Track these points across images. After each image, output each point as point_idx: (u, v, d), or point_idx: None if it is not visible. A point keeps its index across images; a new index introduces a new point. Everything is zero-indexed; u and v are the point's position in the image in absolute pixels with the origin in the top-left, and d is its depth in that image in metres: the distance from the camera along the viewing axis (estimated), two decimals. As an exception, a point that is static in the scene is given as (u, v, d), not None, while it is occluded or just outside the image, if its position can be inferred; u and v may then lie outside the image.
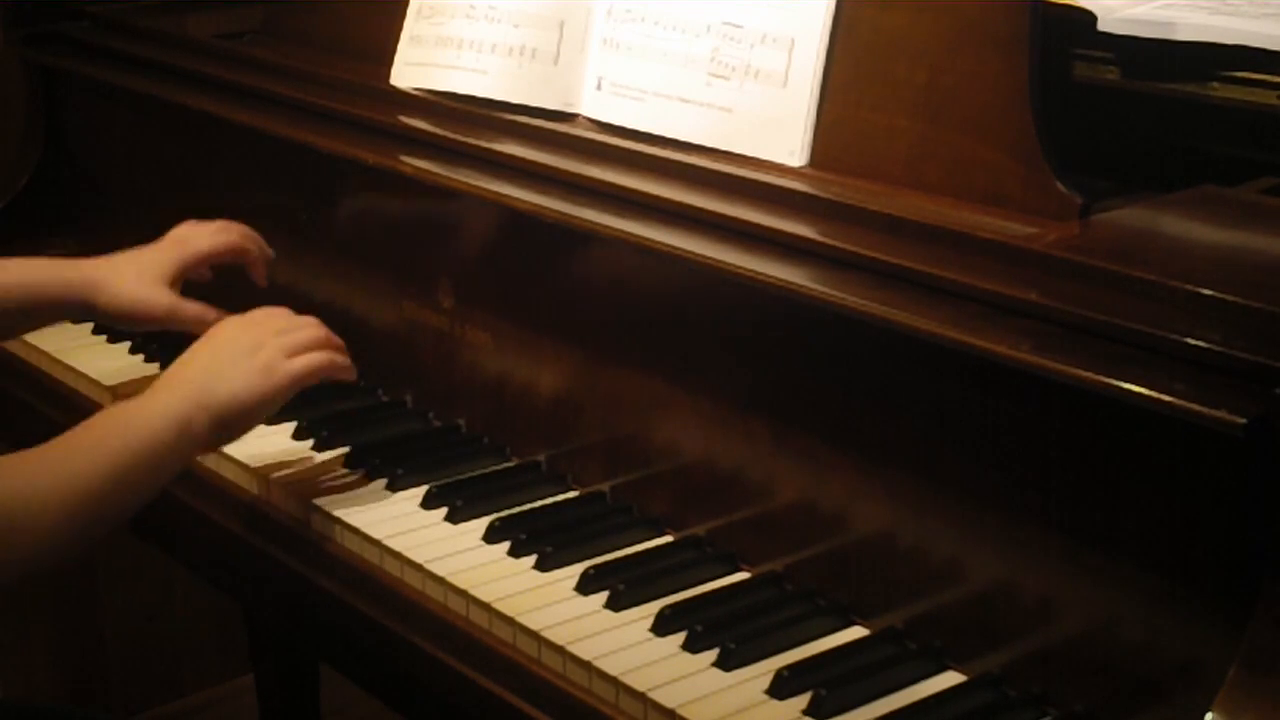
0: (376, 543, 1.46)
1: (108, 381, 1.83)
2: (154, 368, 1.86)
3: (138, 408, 1.44)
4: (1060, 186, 1.31)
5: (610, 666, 1.27)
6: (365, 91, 1.80)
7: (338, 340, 1.57)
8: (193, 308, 1.71)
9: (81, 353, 1.92)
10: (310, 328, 1.55)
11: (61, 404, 1.87)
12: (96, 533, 1.41)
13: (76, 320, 1.92)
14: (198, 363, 1.49)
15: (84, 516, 1.36)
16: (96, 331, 1.98)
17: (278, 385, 1.49)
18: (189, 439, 1.43)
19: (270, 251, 1.78)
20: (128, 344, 1.93)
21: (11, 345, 1.98)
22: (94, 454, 1.38)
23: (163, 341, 1.90)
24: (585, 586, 1.38)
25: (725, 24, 1.52)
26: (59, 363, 1.90)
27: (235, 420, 1.47)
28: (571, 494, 1.56)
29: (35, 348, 1.94)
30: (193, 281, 1.77)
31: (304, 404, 1.72)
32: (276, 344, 1.50)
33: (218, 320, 1.66)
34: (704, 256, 1.38)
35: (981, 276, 1.23)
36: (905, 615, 1.31)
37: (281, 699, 2.47)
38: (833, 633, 1.33)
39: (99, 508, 1.37)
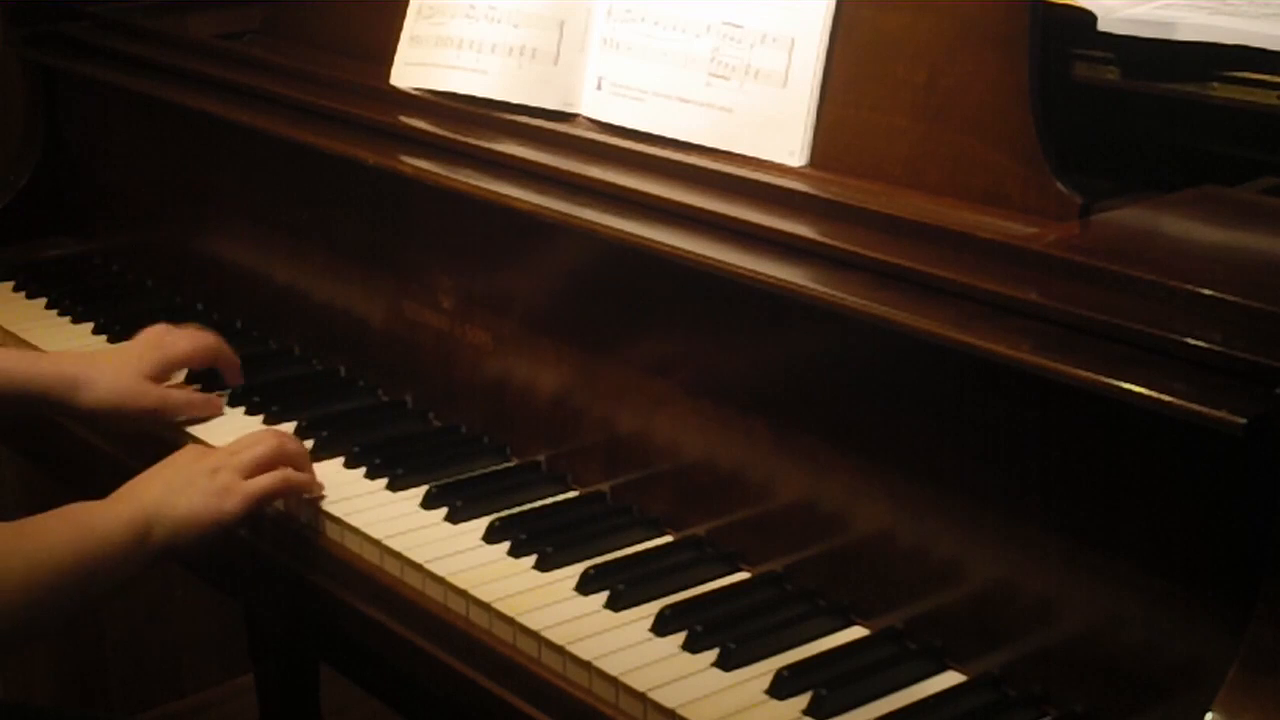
0: (376, 543, 1.46)
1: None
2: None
3: (101, 510, 1.47)
4: (1060, 186, 1.31)
5: (610, 666, 1.27)
6: (365, 91, 1.80)
7: (295, 446, 1.57)
8: (180, 394, 1.73)
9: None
10: (264, 443, 1.54)
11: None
12: (48, 621, 1.44)
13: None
14: (160, 477, 1.51)
15: (40, 599, 1.39)
16: (96, 333, 1.97)
17: (234, 506, 1.49)
18: (144, 549, 1.45)
19: (236, 358, 1.78)
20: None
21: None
22: (55, 547, 1.41)
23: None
24: (585, 586, 1.38)
25: (725, 24, 1.52)
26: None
27: (190, 536, 1.48)
28: (571, 494, 1.56)
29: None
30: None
31: (304, 404, 1.72)
32: (233, 464, 1.51)
33: (204, 402, 1.72)
34: (704, 256, 1.38)
35: (981, 276, 1.23)
36: (905, 615, 1.30)
37: (281, 699, 2.47)
38: (833, 633, 1.33)
39: (53, 596, 1.40)
